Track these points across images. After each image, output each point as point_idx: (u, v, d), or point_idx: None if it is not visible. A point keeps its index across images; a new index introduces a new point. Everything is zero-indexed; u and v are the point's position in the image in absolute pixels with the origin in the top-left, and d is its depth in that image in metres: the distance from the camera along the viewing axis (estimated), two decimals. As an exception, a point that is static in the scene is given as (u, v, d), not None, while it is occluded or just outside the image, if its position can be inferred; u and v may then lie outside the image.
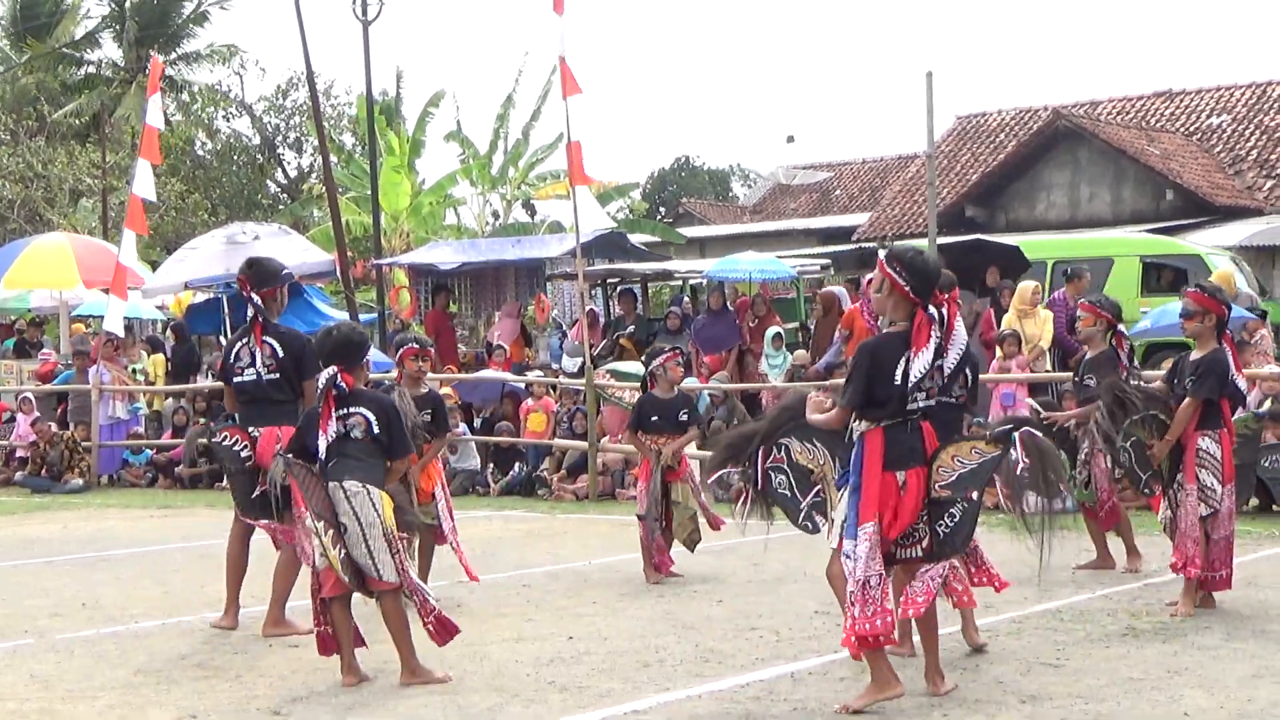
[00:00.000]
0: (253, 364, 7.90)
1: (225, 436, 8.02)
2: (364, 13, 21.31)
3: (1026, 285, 15.95)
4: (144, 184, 18.16)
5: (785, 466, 6.50)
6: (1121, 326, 9.42)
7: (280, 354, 7.85)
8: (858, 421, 6.10)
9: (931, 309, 6.08)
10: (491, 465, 16.70)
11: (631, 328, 19.38)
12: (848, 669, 6.61)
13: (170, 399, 19.58)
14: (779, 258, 20.74)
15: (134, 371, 19.63)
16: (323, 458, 6.60)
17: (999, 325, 15.77)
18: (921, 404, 6.08)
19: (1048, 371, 14.92)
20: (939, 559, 6.14)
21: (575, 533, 12.78)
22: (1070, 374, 10.16)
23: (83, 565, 11.12)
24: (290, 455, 6.79)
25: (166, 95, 37.80)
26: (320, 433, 6.61)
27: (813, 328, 19.29)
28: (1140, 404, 8.20)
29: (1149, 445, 8.07)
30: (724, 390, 16.71)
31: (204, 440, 9.11)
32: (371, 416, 6.67)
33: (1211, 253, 19.38)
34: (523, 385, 17.53)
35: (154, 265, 25.83)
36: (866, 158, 40.70)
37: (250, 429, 7.92)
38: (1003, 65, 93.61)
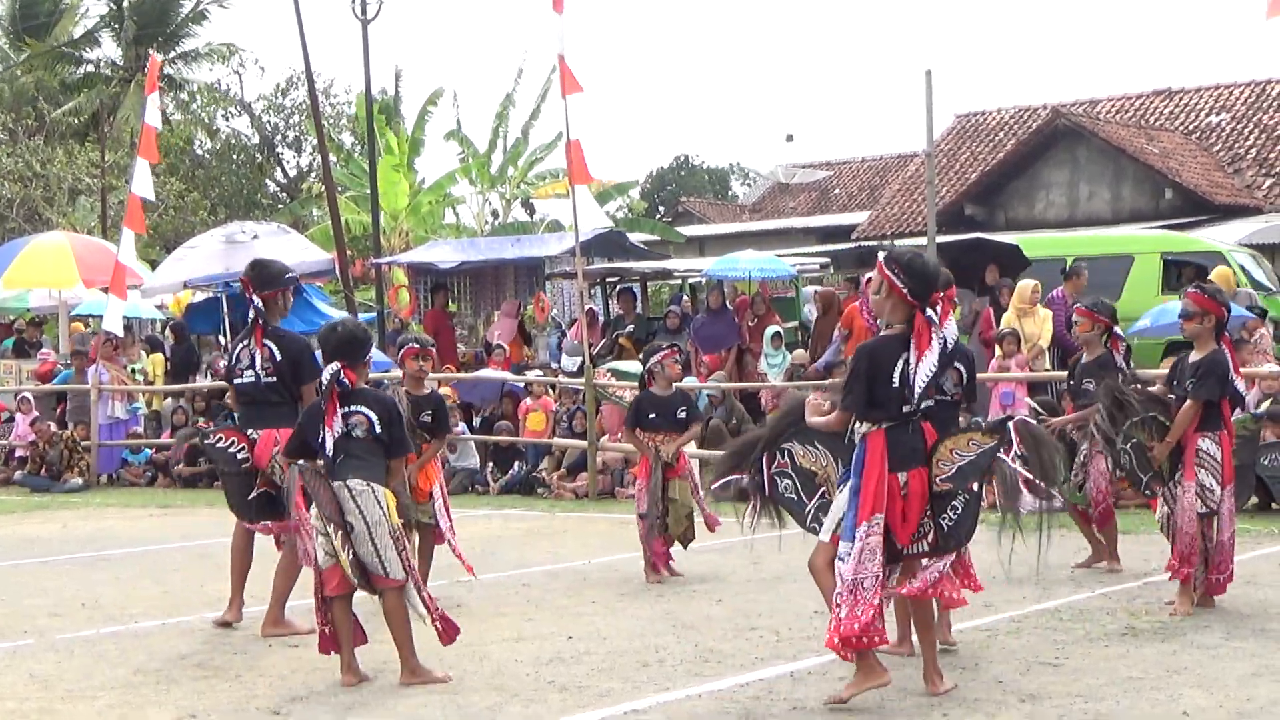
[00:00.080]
0: (252, 366, 7.91)
1: (220, 438, 8.02)
2: (363, 11, 21.31)
3: (1026, 284, 15.93)
4: (143, 183, 18.17)
5: (790, 471, 6.52)
6: (1118, 329, 9.47)
7: (278, 357, 7.84)
8: (859, 423, 6.12)
9: (930, 312, 6.09)
10: (491, 464, 16.71)
11: (631, 327, 19.38)
12: (846, 668, 6.60)
13: (169, 398, 19.59)
14: (778, 256, 20.75)
15: (133, 371, 19.63)
16: (330, 454, 6.61)
17: (998, 324, 15.76)
18: (921, 404, 6.09)
19: (1047, 370, 14.91)
20: (945, 552, 6.18)
21: (575, 532, 12.78)
22: (1067, 375, 10.13)
23: (82, 565, 11.13)
24: (301, 462, 6.79)
25: (165, 94, 37.80)
26: (326, 428, 6.61)
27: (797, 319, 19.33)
28: (1139, 406, 8.22)
29: (1149, 447, 8.08)
30: (722, 390, 16.72)
31: (195, 440, 9.11)
32: (373, 416, 6.67)
33: (1233, 250, 19.21)
34: (522, 384, 17.53)
35: (153, 264, 25.83)
36: (866, 156, 40.70)
37: (249, 431, 7.92)
38: (1002, 64, 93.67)
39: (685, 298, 21.98)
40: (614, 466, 15.69)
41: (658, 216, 43.73)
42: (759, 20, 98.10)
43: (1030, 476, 6.28)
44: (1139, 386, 8.60)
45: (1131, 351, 9.60)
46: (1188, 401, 7.95)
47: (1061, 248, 19.27)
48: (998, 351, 15.04)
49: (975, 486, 6.14)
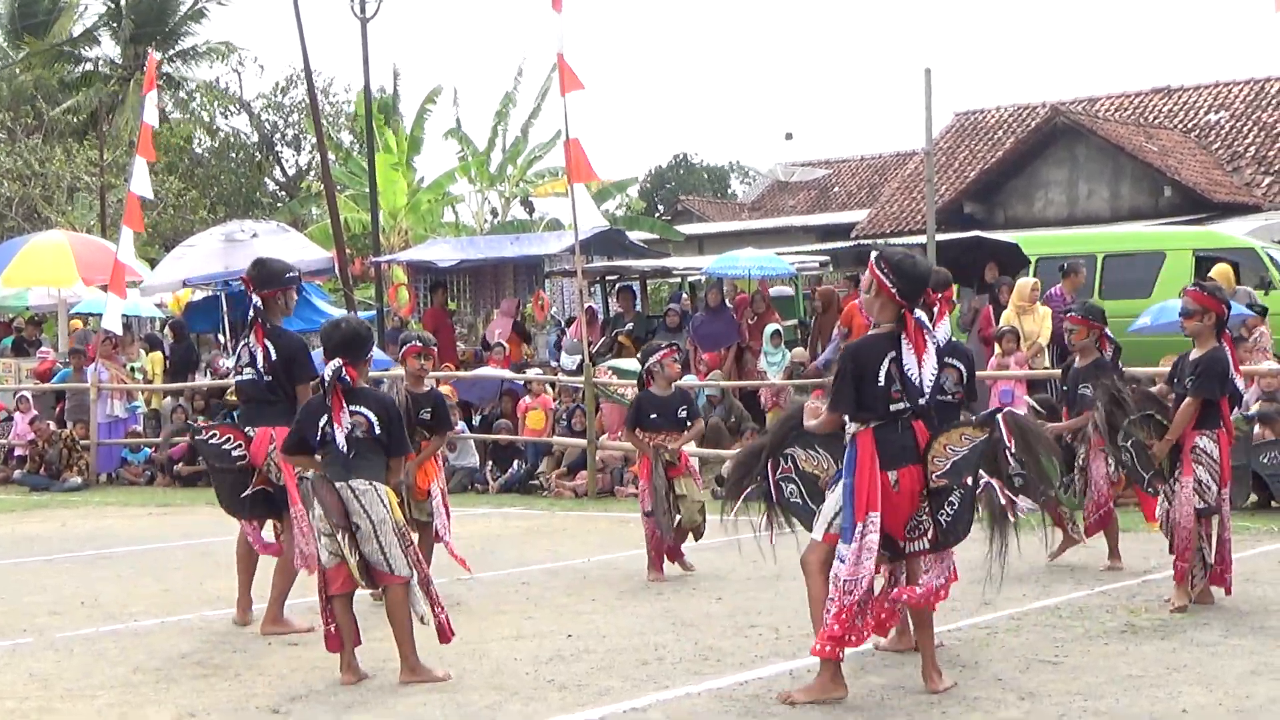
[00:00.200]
0: (252, 364, 7.91)
1: (213, 434, 8.03)
2: (362, 10, 21.30)
3: (1025, 282, 15.93)
4: (141, 182, 18.18)
5: (794, 475, 6.53)
6: (1108, 331, 9.52)
7: (273, 356, 7.84)
8: (849, 423, 6.14)
9: (920, 313, 6.09)
10: (490, 463, 16.71)
11: (630, 325, 19.38)
12: (847, 666, 6.60)
13: (168, 397, 19.58)
14: (778, 254, 20.74)
15: (132, 370, 19.63)
16: (343, 448, 6.60)
17: (997, 322, 15.76)
18: (909, 404, 6.09)
19: (1046, 368, 14.91)
20: (944, 547, 6.21)
21: (574, 530, 12.78)
22: (1060, 379, 10.13)
23: (82, 563, 11.13)
24: (310, 474, 6.80)
25: (164, 93, 37.79)
26: (335, 425, 6.62)
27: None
28: (1135, 405, 8.23)
29: (1149, 445, 8.09)
30: (721, 389, 16.71)
31: (186, 436, 9.13)
32: (373, 417, 6.68)
33: (1267, 246, 19.00)
34: (521, 383, 17.52)
35: (152, 263, 25.82)
36: (865, 154, 40.69)
37: (247, 428, 7.93)
38: (1001, 62, 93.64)
39: (685, 296, 21.98)
40: (613, 465, 15.68)
41: (657, 215, 43.70)
42: (758, 18, 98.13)
43: (1015, 499, 6.33)
44: (1135, 386, 8.63)
45: (1121, 351, 9.63)
46: (1186, 399, 7.96)
47: (1092, 244, 19.09)
48: (997, 349, 15.05)
49: (969, 481, 6.16)
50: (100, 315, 19.46)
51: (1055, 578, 9.12)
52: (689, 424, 9.89)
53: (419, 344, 9.11)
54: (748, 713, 6.04)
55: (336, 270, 21.50)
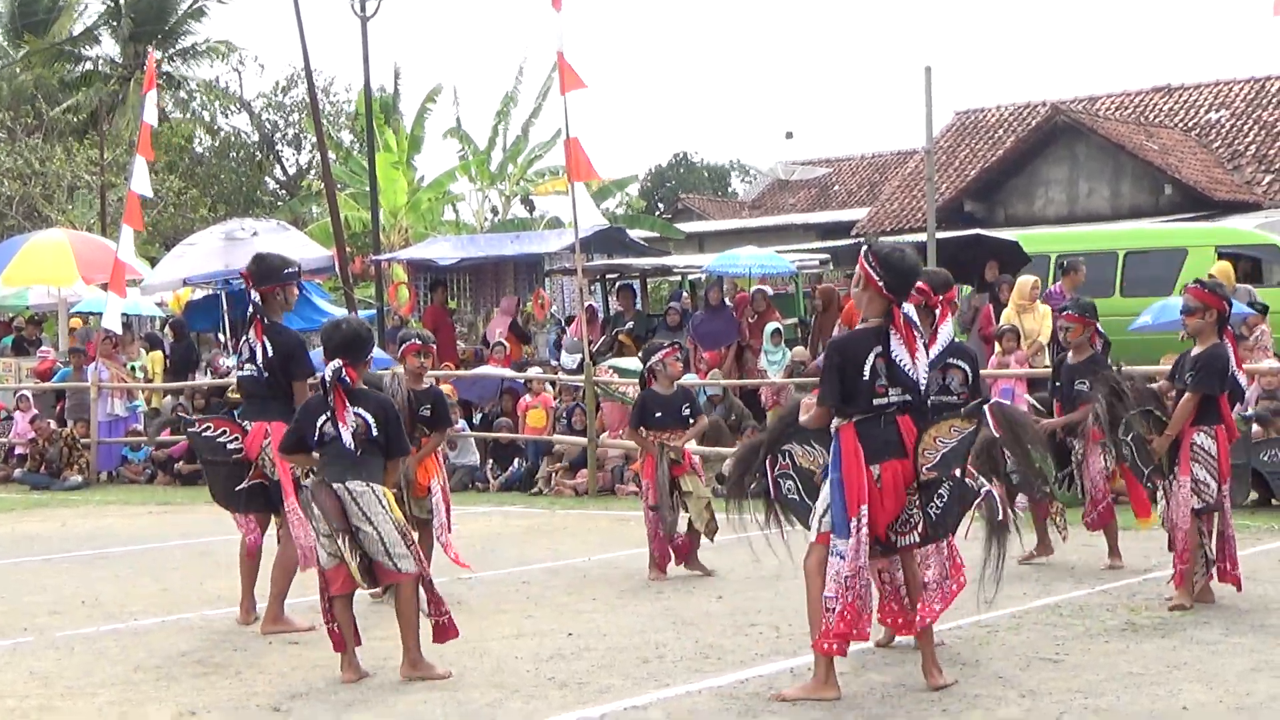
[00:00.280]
0: (252, 359, 7.92)
1: (208, 427, 8.04)
2: (362, 8, 21.29)
3: (1025, 280, 15.92)
4: (141, 180, 18.18)
5: (791, 472, 6.54)
6: (1099, 326, 9.53)
7: (270, 352, 7.85)
8: (834, 418, 6.15)
9: (908, 307, 6.08)
10: (491, 461, 16.71)
11: (630, 323, 19.38)
12: (847, 664, 6.62)
13: (169, 396, 19.58)
14: (778, 253, 20.73)
15: (133, 369, 19.63)
16: (351, 446, 6.61)
17: (998, 320, 15.76)
18: (894, 399, 6.09)
19: (1046, 367, 14.89)
20: (933, 540, 6.23)
21: (575, 529, 12.78)
22: (1052, 376, 10.09)
23: (82, 562, 11.13)
24: (307, 481, 6.79)
25: (164, 91, 37.77)
26: (340, 424, 6.62)
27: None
28: (1136, 400, 8.22)
29: (1149, 440, 8.08)
30: (722, 387, 16.71)
31: (182, 427, 9.16)
32: (371, 418, 6.68)
33: None
34: (521, 381, 17.52)
35: (152, 262, 25.82)
36: (865, 153, 40.68)
37: (245, 423, 7.94)
38: (1001, 61, 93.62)
39: (685, 294, 21.98)
40: (614, 464, 15.68)
41: (657, 213, 43.70)
42: (758, 17, 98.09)
43: (1013, 509, 6.35)
44: (1133, 382, 8.62)
45: (1110, 346, 9.65)
46: (1186, 395, 7.97)
47: (1114, 241, 19.00)
48: (997, 348, 15.05)
49: (959, 473, 6.16)
50: (100, 314, 19.47)
51: (1056, 576, 9.12)
52: (692, 421, 9.92)
53: (418, 342, 9.12)
54: (748, 711, 6.04)
55: (337, 269, 21.50)
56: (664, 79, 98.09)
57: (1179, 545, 7.97)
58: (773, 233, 31.37)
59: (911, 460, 6.11)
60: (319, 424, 6.71)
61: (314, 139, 29.42)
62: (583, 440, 15.66)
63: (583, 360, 16.00)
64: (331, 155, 29.99)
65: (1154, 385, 8.57)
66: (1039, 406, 10.14)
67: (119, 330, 19.03)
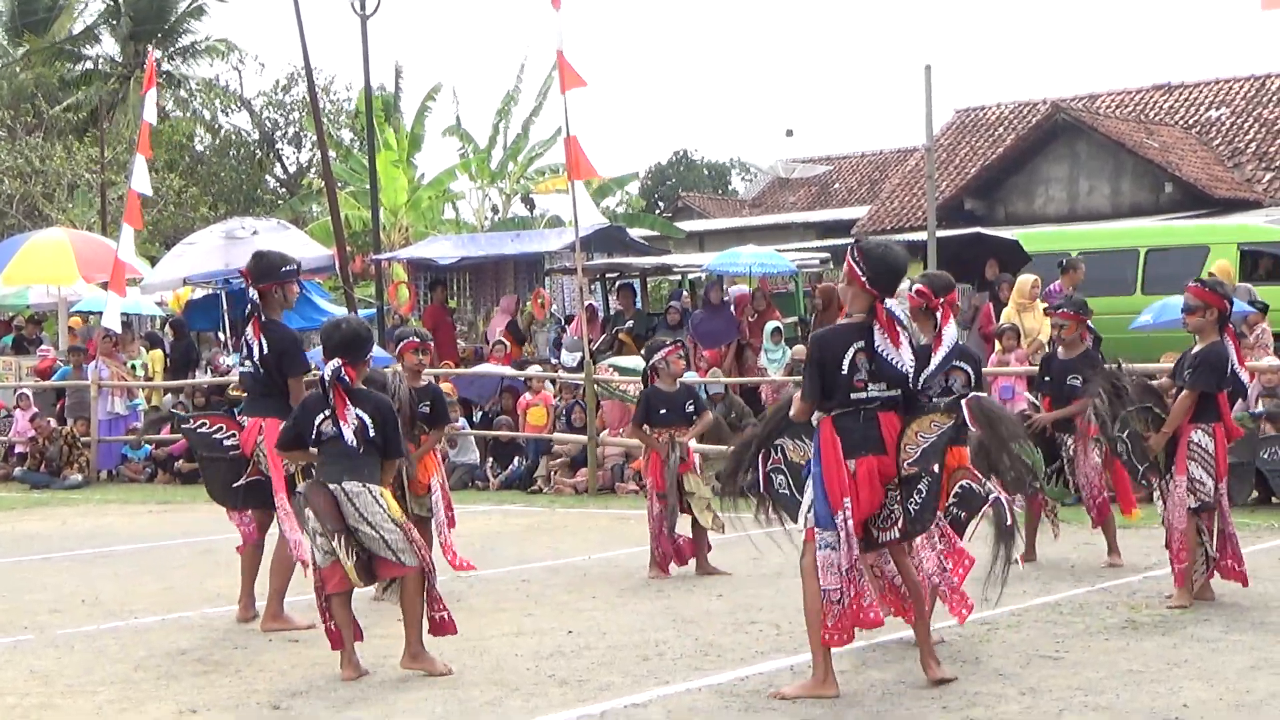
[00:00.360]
0: (250, 356, 7.93)
1: (203, 423, 8.04)
2: (362, 7, 21.28)
3: (1025, 279, 15.91)
4: (141, 179, 18.18)
5: (783, 466, 6.55)
6: (1090, 322, 9.55)
7: (265, 350, 7.85)
8: (815, 411, 6.19)
9: (890, 303, 6.08)
10: (490, 459, 16.71)
11: (630, 322, 19.37)
12: (847, 662, 6.63)
13: (169, 395, 19.59)
14: (778, 251, 20.71)
15: (133, 367, 19.64)
16: (353, 444, 6.61)
17: (998, 319, 15.75)
18: (876, 394, 6.09)
19: (1047, 365, 14.89)
20: (911, 536, 6.24)
21: (574, 527, 12.79)
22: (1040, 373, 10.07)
23: (82, 561, 11.13)
24: (301, 486, 6.80)
25: (164, 90, 37.75)
26: (341, 422, 6.62)
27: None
28: (1135, 396, 8.22)
29: (1145, 436, 8.08)
30: (723, 385, 16.70)
31: (167, 425, 9.17)
32: (368, 419, 6.69)
33: None
34: (521, 380, 17.52)
35: (152, 260, 25.81)
36: (865, 151, 40.67)
37: (243, 419, 7.95)
38: (1001, 59, 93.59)
39: (685, 293, 21.97)
40: (614, 462, 15.69)
41: (657, 212, 43.70)
42: (758, 15, 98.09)
43: (1015, 511, 6.37)
44: (1132, 378, 8.61)
45: (1101, 341, 9.65)
46: (1183, 392, 7.96)
47: (1135, 239, 18.89)
48: (997, 346, 15.05)
49: (937, 469, 6.16)
50: (100, 313, 19.46)
51: (1055, 575, 9.12)
52: (696, 417, 9.95)
53: (416, 339, 9.14)
54: (748, 708, 6.04)
55: (337, 268, 21.49)
56: (664, 77, 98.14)
57: (1175, 544, 7.97)
58: (773, 231, 31.37)
59: (893, 456, 6.11)
60: (317, 422, 6.71)
61: (314, 137, 29.44)
62: (583, 438, 15.66)
63: (583, 359, 15.99)
64: (332, 154, 29.99)
65: (1155, 383, 8.55)
66: (1038, 405, 10.14)
67: (119, 329, 19.02)
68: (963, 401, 6.44)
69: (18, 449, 19.02)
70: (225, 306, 20.16)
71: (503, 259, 21.31)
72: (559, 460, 16.05)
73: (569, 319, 20.12)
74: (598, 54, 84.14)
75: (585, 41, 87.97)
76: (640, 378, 10.39)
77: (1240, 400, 8.49)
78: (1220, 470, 7.98)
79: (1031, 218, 27.59)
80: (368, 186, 24.79)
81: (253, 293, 7.92)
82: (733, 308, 18.41)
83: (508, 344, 18.83)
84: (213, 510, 8.64)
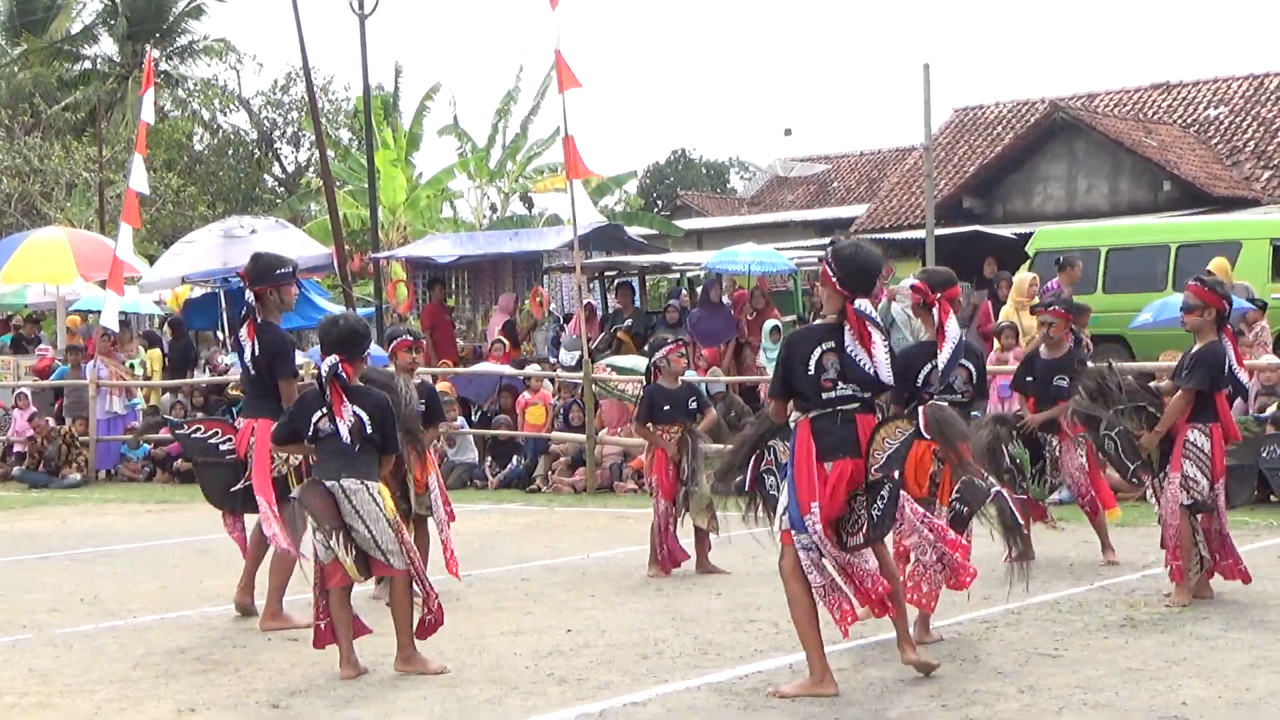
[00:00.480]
0: (243, 357, 7.93)
1: (197, 428, 8.02)
2: (360, 6, 21.28)
3: (1024, 277, 15.93)
4: (139, 178, 18.18)
5: (774, 467, 6.56)
6: (1074, 324, 9.57)
7: (257, 352, 7.84)
8: (791, 411, 6.20)
9: (860, 304, 6.05)
10: (489, 458, 16.71)
11: (629, 321, 19.38)
12: (846, 660, 6.63)
13: (167, 394, 19.58)
14: (777, 250, 20.70)
15: (131, 366, 19.63)
16: (349, 440, 6.61)
17: (996, 317, 15.76)
18: (845, 393, 6.10)
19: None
20: (873, 542, 6.22)
21: (573, 526, 12.78)
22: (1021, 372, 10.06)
23: (81, 560, 11.13)
24: (296, 489, 6.80)
25: (162, 90, 37.74)
26: (338, 418, 6.62)
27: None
28: (1126, 395, 8.21)
29: (1137, 435, 8.07)
30: (724, 383, 16.69)
31: (159, 431, 9.17)
32: (366, 417, 6.68)
33: None
34: (520, 379, 17.52)
35: (151, 259, 25.80)
36: (864, 150, 40.67)
37: (237, 422, 7.96)
38: (1000, 58, 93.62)
39: (684, 291, 21.97)
40: (612, 461, 15.68)
41: (656, 210, 43.70)
42: (757, 14, 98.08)
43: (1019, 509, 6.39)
44: (1123, 377, 8.60)
45: (1082, 341, 9.64)
46: (1179, 391, 7.96)
47: (1166, 234, 18.70)
48: (996, 344, 15.05)
49: (898, 475, 6.18)
50: (99, 312, 19.46)
51: (1054, 573, 9.11)
52: (700, 415, 9.96)
53: (409, 338, 9.13)
54: (747, 707, 6.03)
55: (335, 267, 21.49)
56: (663, 76, 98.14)
57: (1170, 541, 7.97)
58: (771, 229, 31.36)
59: (865, 460, 6.12)
60: (314, 419, 6.70)
61: (313, 137, 29.45)
62: (581, 437, 15.66)
63: (581, 358, 15.99)
64: (330, 153, 29.98)
65: (1155, 384, 8.55)
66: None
67: (117, 328, 19.01)
68: (920, 409, 6.43)
69: (16, 448, 19.01)
70: (224, 305, 20.16)
71: (501, 258, 21.31)
72: (557, 463, 16.04)
73: (567, 318, 20.13)
74: (596, 53, 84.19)
75: (584, 41, 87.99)
76: (642, 375, 10.38)
77: (1240, 401, 8.47)
78: (1216, 471, 7.96)
79: (1030, 216, 27.59)
80: (366, 185, 24.79)
81: (249, 295, 7.91)
82: (731, 308, 18.42)
83: (506, 343, 18.83)
84: (211, 510, 8.63)
